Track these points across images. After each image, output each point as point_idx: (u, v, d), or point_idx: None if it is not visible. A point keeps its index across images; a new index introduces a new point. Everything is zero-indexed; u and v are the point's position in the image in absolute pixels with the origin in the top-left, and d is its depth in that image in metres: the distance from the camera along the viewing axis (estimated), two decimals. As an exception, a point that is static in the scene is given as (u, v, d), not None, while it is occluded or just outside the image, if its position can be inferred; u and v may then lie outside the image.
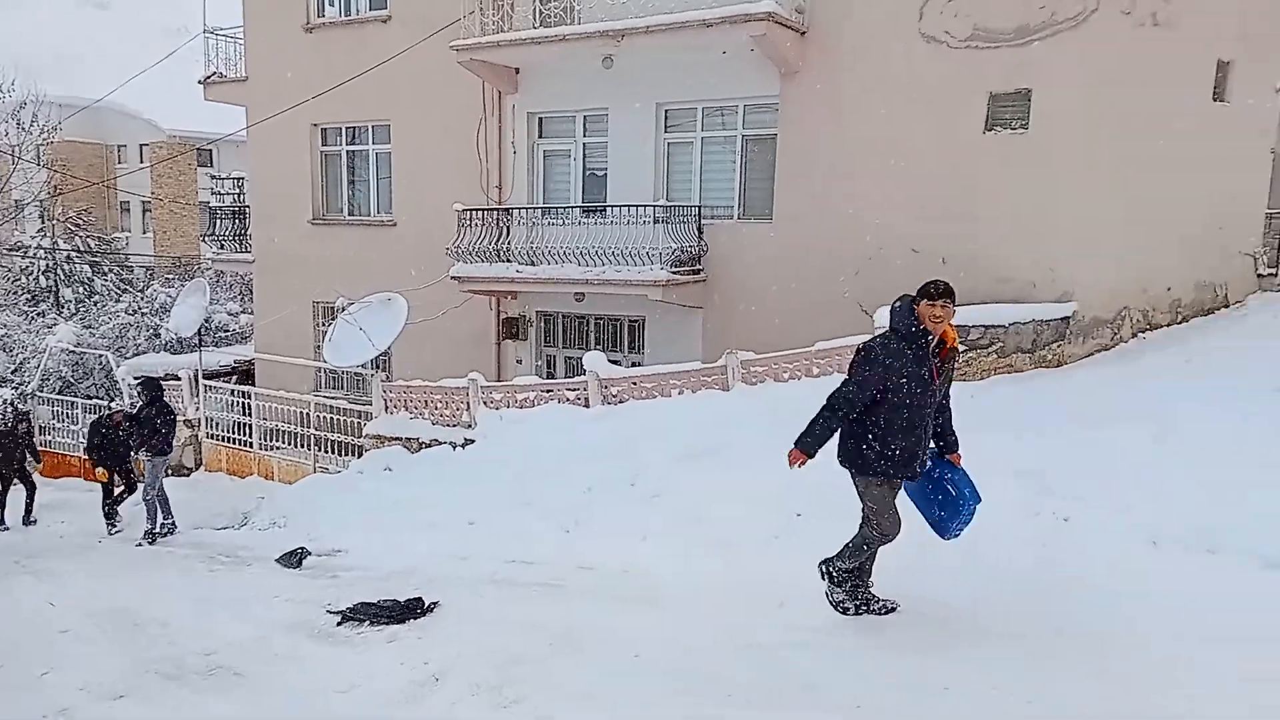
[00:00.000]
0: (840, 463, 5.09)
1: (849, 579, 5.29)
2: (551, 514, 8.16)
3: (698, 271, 12.88)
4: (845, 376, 5.03)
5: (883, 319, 9.65)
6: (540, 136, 14.58)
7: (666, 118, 13.50)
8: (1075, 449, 7.34)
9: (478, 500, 8.86)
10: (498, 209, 14.07)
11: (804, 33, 11.97)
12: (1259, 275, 13.09)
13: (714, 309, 13.00)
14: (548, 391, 11.00)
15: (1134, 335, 11.44)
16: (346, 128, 16.33)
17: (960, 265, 11.12)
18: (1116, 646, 4.77)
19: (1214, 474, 6.62)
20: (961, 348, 5.12)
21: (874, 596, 5.38)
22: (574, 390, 10.78)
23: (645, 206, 12.57)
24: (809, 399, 9.09)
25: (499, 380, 13.54)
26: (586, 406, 10.52)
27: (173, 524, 10.60)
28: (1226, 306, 12.48)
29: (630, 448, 9.01)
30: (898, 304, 4.96)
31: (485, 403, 10.97)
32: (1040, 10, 10.60)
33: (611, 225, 12.73)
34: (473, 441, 10.46)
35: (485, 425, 10.59)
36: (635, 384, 10.58)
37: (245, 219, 17.57)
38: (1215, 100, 11.65)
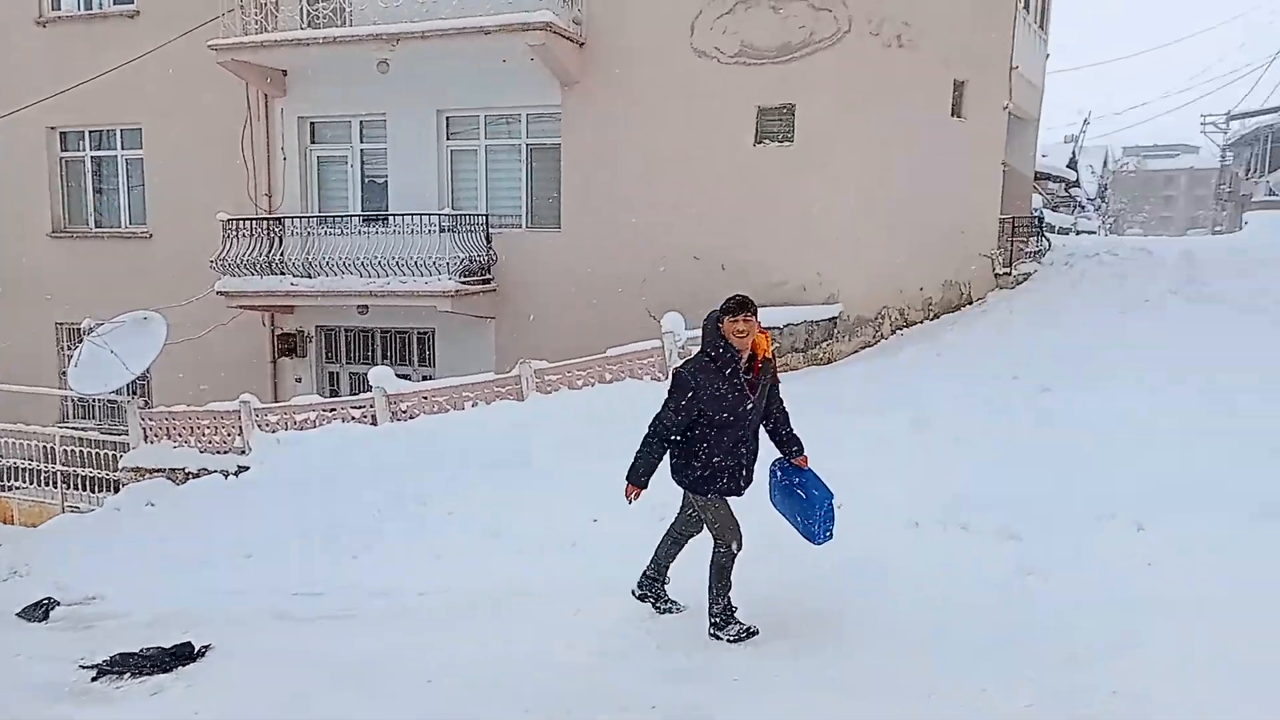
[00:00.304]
0: (676, 482, 5.11)
1: (727, 610, 5.07)
2: (338, 540, 7.74)
3: (488, 281, 12.73)
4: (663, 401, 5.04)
5: (670, 324, 10.00)
6: (313, 142, 13.89)
7: (449, 124, 13.25)
8: (841, 438, 7.85)
9: (255, 531, 8.26)
10: (268, 218, 13.27)
11: (582, 44, 12.13)
12: (996, 274, 14.66)
13: (506, 319, 12.89)
14: (330, 410, 10.48)
15: (893, 332, 12.48)
16: (91, 131, 14.85)
17: (738, 272, 11.70)
18: (878, 622, 5.11)
19: (964, 457, 7.30)
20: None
21: (666, 594, 5.48)
22: (359, 408, 10.33)
23: (430, 215, 12.27)
24: (603, 405, 9.31)
25: (276, 401, 12.72)
26: (374, 424, 10.11)
27: None
28: (971, 303, 13.88)
29: (423, 464, 8.75)
30: (706, 323, 5.00)
31: (260, 426, 10.29)
32: (800, 30, 11.33)
33: (395, 234, 12.34)
34: (247, 468, 9.79)
35: (261, 450, 9.93)
36: (426, 398, 10.28)
37: (-33, 230, 15.50)
38: (954, 116, 12.93)
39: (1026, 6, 15.24)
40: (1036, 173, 20.84)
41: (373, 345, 13.87)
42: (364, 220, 13.13)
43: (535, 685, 4.85)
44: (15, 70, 14.34)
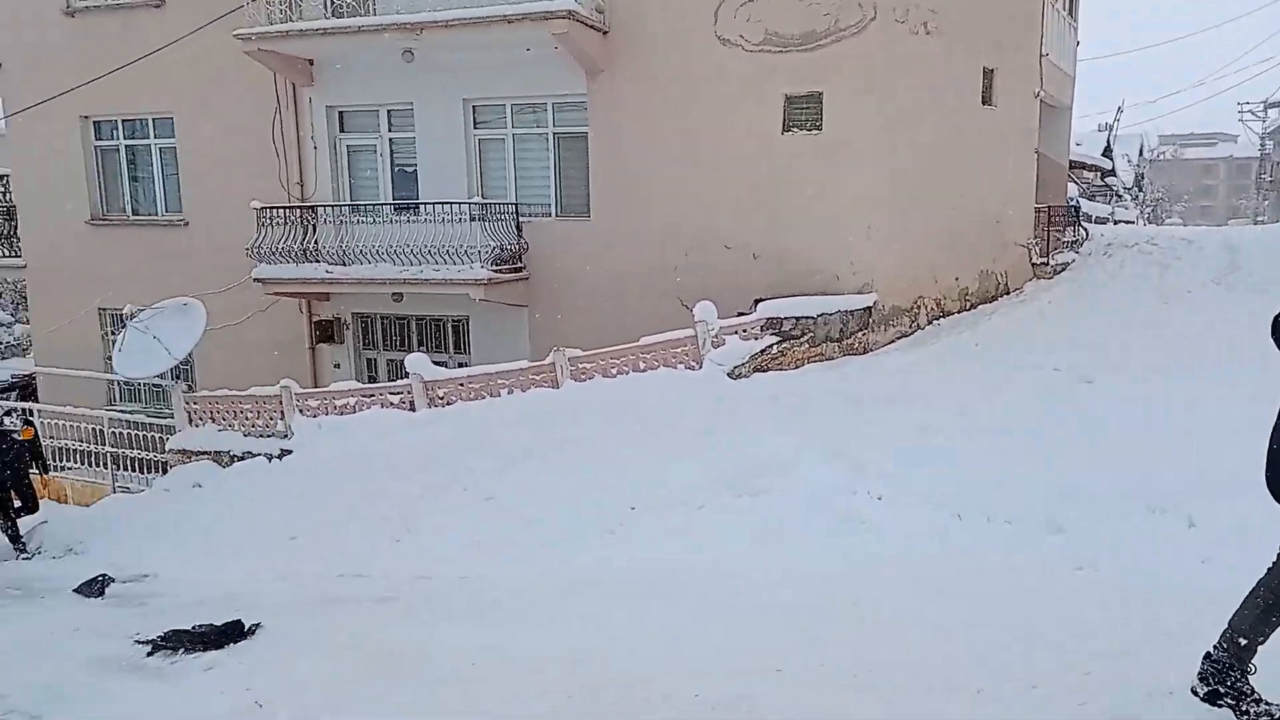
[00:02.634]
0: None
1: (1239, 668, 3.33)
2: (380, 524, 7.90)
3: (519, 269, 12.81)
4: None
5: (703, 313, 10.07)
6: (342, 131, 14.00)
7: (475, 114, 13.31)
8: (882, 429, 7.90)
9: (299, 514, 8.45)
10: (301, 206, 13.40)
11: (606, 32, 12.12)
12: (1033, 264, 14.53)
13: (539, 306, 12.98)
14: (369, 396, 10.62)
15: (930, 322, 12.43)
16: (123, 120, 15.03)
17: (770, 260, 11.72)
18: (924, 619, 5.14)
19: (1009, 450, 7.27)
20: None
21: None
22: (397, 394, 10.47)
23: (460, 204, 12.36)
24: (638, 393, 9.41)
25: (316, 386, 12.92)
26: (412, 410, 10.25)
27: None
28: (1008, 293, 13.78)
29: (461, 451, 8.88)
30: None
31: (301, 410, 10.46)
32: (825, 17, 11.28)
33: (426, 223, 12.43)
34: (290, 452, 9.95)
35: (303, 434, 10.10)
36: (462, 385, 10.40)
37: (13, 220, 15.82)
38: (984, 104, 12.83)
39: (1054, -8, 15.06)
40: (1071, 161, 20.57)
41: (409, 332, 14.03)
42: (395, 209, 13.24)
43: (571, 678, 4.93)
44: (45, 61, 14.51)
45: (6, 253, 15.87)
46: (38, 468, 10.11)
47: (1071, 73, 17.14)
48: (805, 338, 10.69)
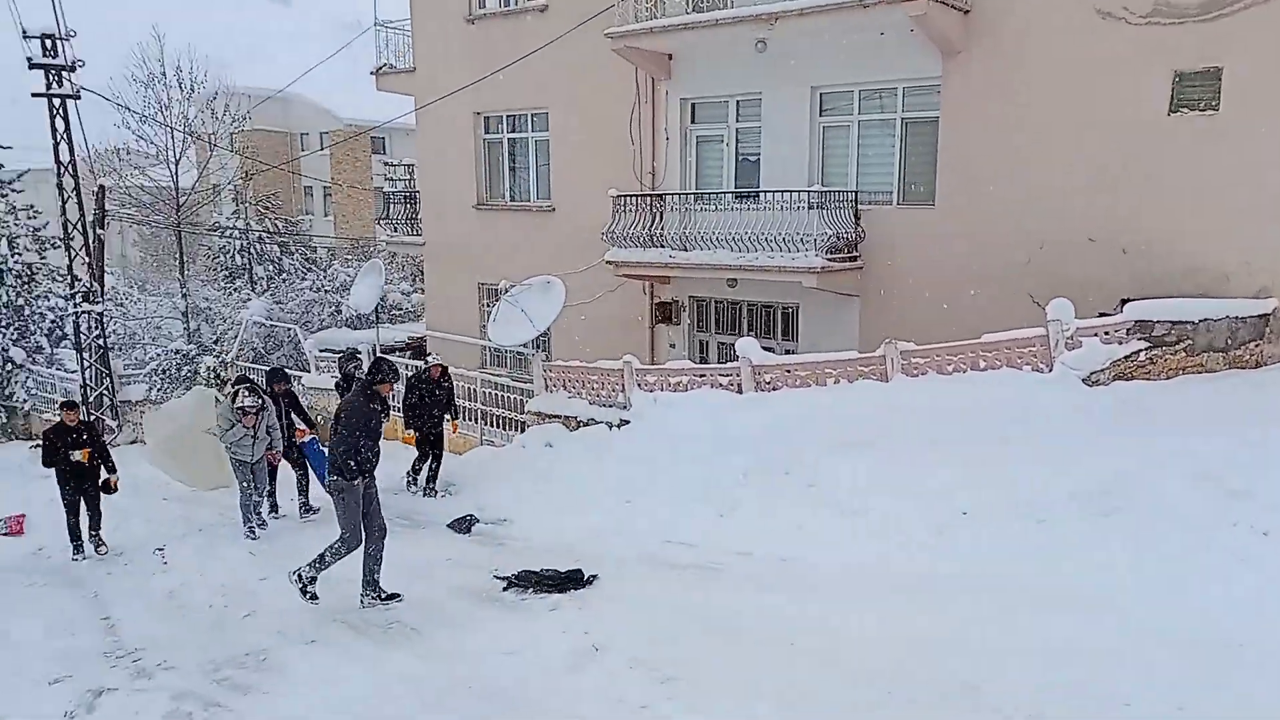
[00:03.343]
0: None
1: None
2: (706, 498, 8.27)
3: (854, 258, 12.65)
4: None
5: (1057, 311, 9.25)
6: (693, 122, 14.65)
7: (822, 101, 13.29)
8: (1267, 453, 6.81)
9: (634, 480, 9.08)
10: (651, 195, 14.25)
11: (967, 11, 11.49)
12: None
13: (871, 297, 12.75)
14: (701, 376, 11.10)
15: (1346, 335, 10.45)
16: (507, 116, 16.92)
17: (1142, 255, 10.50)
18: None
19: None
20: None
21: None
22: (727, 376, 10.84)
23: (799, 192, 12.44)
24: (974, 393, 8.92)
25: (652, 363, 13.76)
26: (739, 392, 10.56)
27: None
28: None
29: (784, 435, 9.00)
30: None
31: (640, 385, 11.20)
32: (1232, -19, 9.78)
33: (765, 211, 12.66)
34: (628, 422, 10.69)
35: (640, 407, 10.81)
36: (789, 371, 10.53)
37: (416, 204, 18.53)
38: None
39: None
40: None
41: (739, 317, 14.45)
42: (736, 197, 13.64)
43: (898, 670, 4.87)
44: (448, 62, 16.65)
45: (409, 232, 18.59)
46: (451, 414, 11.34)
47: None
48: (1181, 345, 9.43)
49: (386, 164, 23.80)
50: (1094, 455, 7.12)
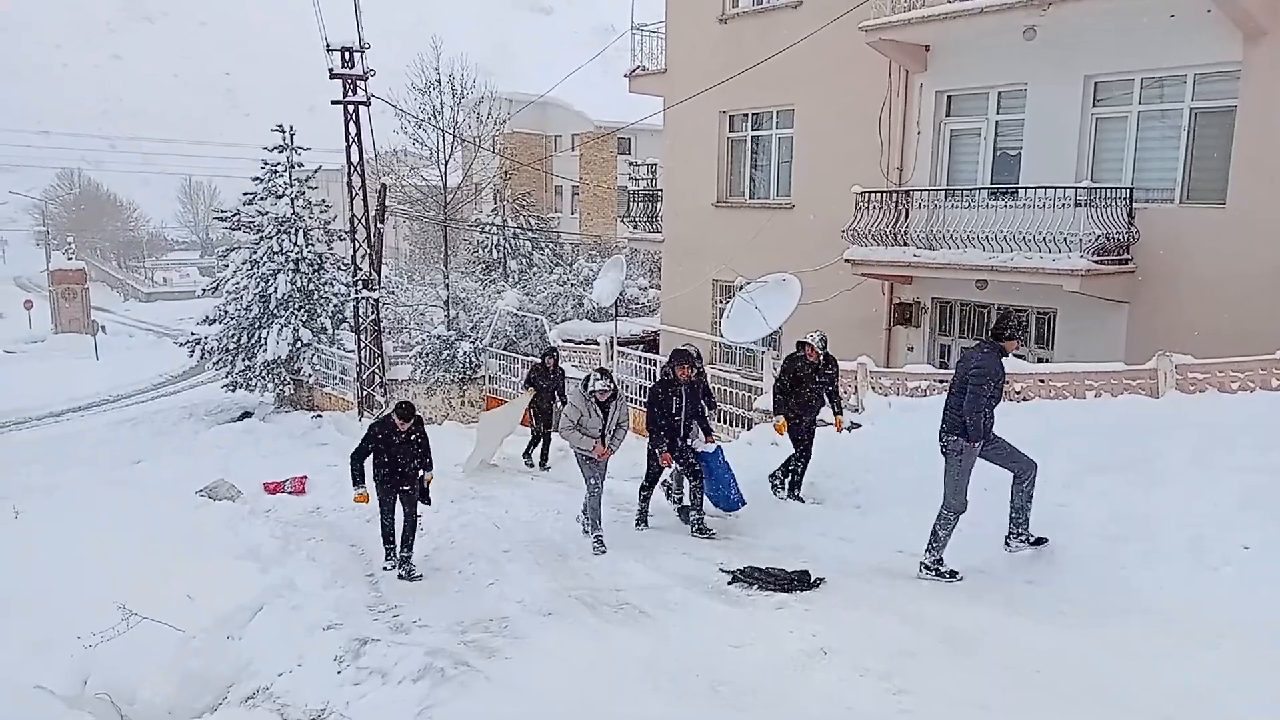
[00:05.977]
0: None
1: None
2: (933, 510, 7.87)
3: (1125, 261, 11.54)
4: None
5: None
6: (948, 115, 13.96)
7: (1096, 91, 12.22)
8: None
9: (865, 486, 8.85)
10: (896, 191, 13.76)
11: (1276, -14, 10.14)
12: None
13: (1143, 305, 11.59)
14: (941, 382, 10.59)
15: None
16: (752, 114, 16.95)
17: None
18: None
19: None
20: None
21: None
22: (967, 383, 10.25)
23: (1066, 188, 11.52)
24: (1262, 414, 7.89)
25: (888, 366, 13.30)
26: (984, 401, 9.95)
27: None
28: None
29: (1035, 449, 8.38)
30: None
31: (874, 388, 10.87)
32: None
33: (1023, 208, 11.83)
34: (859, 425, 10.41)
35: (873, 410, 10.49)
36: (1043, 381, 9.82)
37: (657, 202, 19.05)
38: None
39: None
40: None
41: (987, 321, 13.60)
42: (990, 194, 12.86)
43: (1156, 703, 4.43)
44: (698, 61, 16.91)
45: (649, 229, 19.13)
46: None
47: None
48: None
49: (631, 163, 24.62)
50: None
